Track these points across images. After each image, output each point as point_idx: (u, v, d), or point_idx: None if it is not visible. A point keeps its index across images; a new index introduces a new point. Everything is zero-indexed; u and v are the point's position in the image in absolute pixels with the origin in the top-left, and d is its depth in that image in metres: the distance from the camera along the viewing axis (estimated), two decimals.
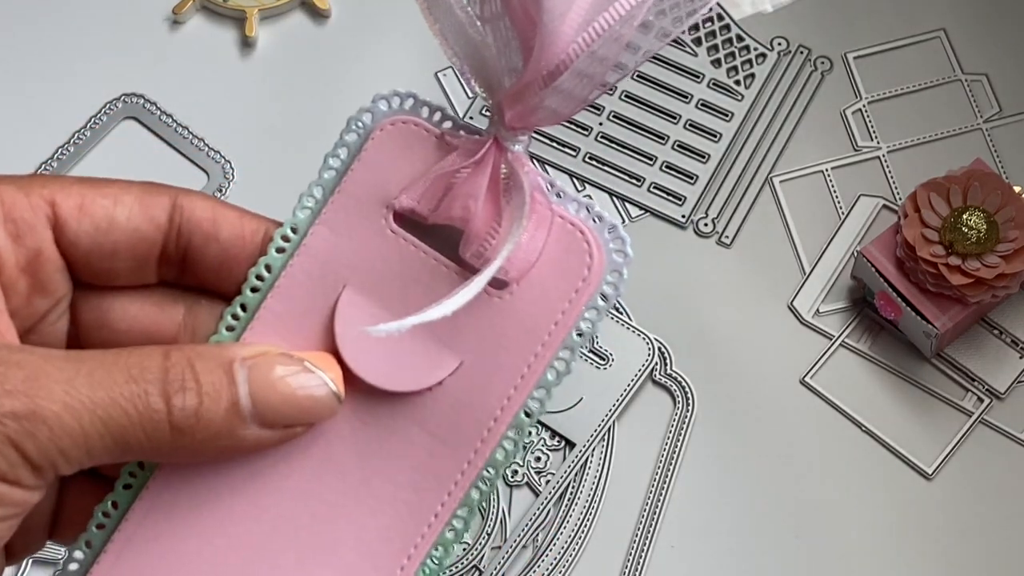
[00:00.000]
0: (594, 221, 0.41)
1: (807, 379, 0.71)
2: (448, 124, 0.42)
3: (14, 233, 0.41)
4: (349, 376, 0.41)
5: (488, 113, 0.40)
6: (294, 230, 0.42)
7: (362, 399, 0.41)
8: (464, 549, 0.67)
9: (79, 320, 0.43)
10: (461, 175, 0.40)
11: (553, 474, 0.69)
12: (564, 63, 0.38)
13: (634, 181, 0.75)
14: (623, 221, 0.74)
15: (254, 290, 0.42)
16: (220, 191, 0.74)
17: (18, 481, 0.37)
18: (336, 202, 0.42)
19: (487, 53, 0.39)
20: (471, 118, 0.76)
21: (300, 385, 0.40)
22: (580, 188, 0.75)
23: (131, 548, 0.41)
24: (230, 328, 0.42)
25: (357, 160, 0.42)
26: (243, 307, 0.42)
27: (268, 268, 0.42)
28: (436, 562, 0.41)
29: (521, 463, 0.69)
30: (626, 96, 0.76)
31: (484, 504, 0.41)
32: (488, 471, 0.40)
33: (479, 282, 0.38)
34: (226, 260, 0.42)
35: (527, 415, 0.41)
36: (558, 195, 0.41)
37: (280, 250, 0.42)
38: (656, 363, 0.70)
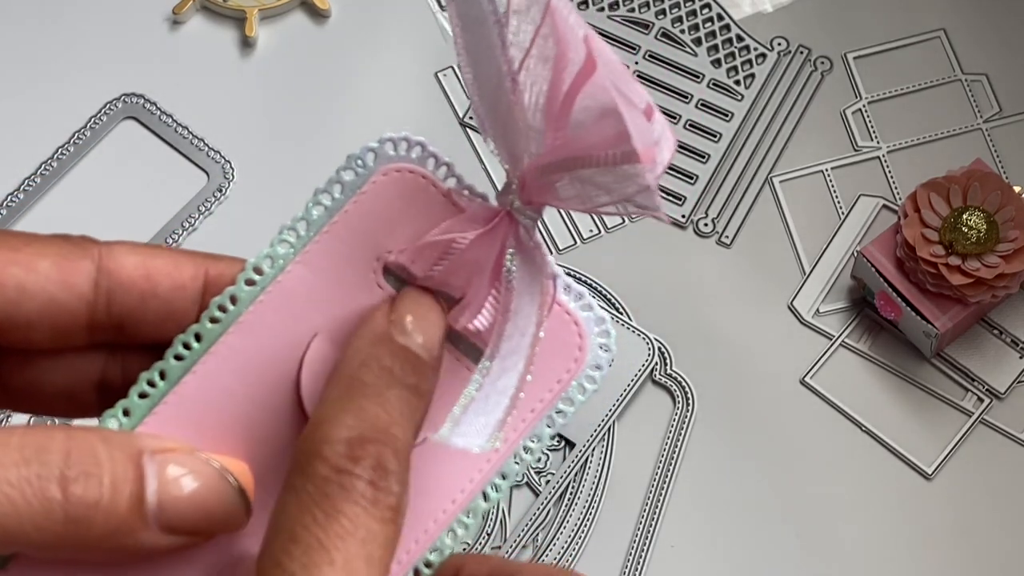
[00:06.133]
0: (584, 311, 0.39)
1: (807, 379, 0.71)
2: (452, 181, 0.39)
3: None
4: None
5: (504, 182, 0.37)
6: (270, 263, 0.39)
7: None
8: (464, 549, 0.67)
9: (7, 385, 0.39)
10: (463, 241, 0.37)
11: (553, 474, 0.69)
12: None
13: None
14: (625, 219, 0.74)
15: (214, 320, 0.38)
16: (220, 191, 0.74)
17: None
18: (322, 242, 0.39)
19: (516, 114, 0.35)
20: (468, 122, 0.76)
21: (211, 491, 0.36)
22: None
23: None
24: (179, 357, 0.38)
25: (353, 202, 0.39)
26: (198, 337, 0.38)
27: (233, 300, 0.38)
28: None
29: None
30: None
31: None
32: (431, 555, 0.38)
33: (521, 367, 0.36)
34: (171, 313, 0.38)
35: (484, 499, 0.38)
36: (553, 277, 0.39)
37: (250, 282, 0.38)
38: (656, 363, 0.70)
